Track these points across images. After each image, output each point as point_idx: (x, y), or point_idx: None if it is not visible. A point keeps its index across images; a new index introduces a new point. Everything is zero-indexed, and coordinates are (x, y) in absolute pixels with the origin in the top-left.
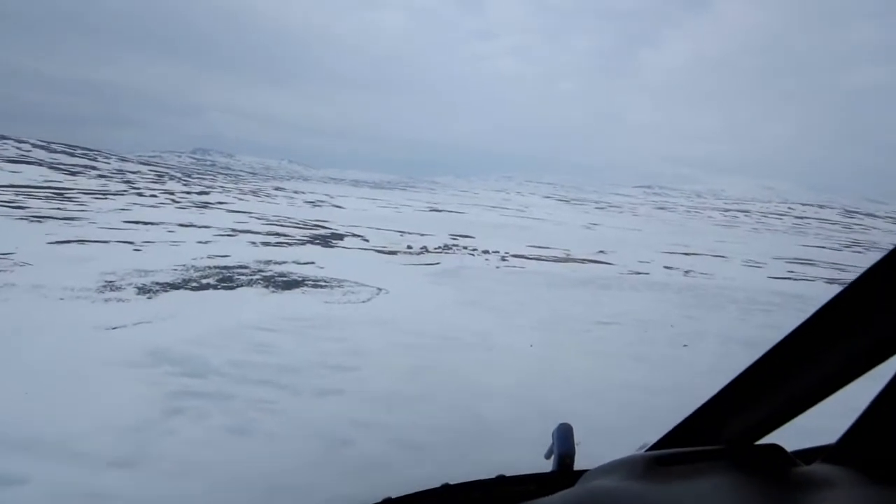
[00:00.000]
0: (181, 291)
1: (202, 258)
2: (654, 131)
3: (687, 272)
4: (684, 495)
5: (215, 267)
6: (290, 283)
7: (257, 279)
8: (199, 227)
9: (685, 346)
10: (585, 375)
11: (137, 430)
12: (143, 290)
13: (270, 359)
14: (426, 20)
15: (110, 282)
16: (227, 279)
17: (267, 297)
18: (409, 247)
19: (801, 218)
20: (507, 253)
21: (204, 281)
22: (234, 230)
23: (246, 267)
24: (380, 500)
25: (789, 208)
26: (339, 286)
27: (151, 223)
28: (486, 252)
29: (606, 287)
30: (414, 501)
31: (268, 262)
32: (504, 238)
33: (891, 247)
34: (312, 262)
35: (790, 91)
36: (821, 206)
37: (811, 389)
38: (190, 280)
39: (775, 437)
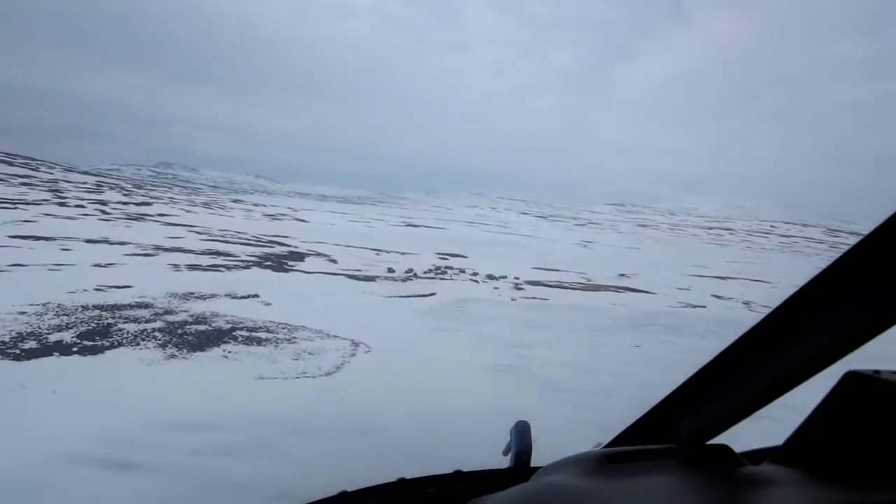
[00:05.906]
0: None
1: (84, 291)
2: (625, 148)
3: (747, 303)
4: (634, 492)
5: (95, 307)
6: (209, 337)
7: (154, 329)
8: (113, 243)
9: None
10: None
11: None
12: None
13: None
14: (399, 29)
15: None
16: (99, 332)
17: (156, 367)
18: (391, 270)
19: (787, 237)
20: (517, 279)
21: (54, 337)
22: (157, 248)
23: (147, 305)
24: (335, 493)
25: (771, 227)
26: (289, 339)
27: (49, 238)
28: (491, 277)
29: (675, 330)
30: (369, 495)
31: (186, 297)
32: (502, 258)
33: None
34: (255, 296)
35: (764, 108)
36: (804, 225)
37: (761, 392)
38: (29, 335)
39: (725, 438)
